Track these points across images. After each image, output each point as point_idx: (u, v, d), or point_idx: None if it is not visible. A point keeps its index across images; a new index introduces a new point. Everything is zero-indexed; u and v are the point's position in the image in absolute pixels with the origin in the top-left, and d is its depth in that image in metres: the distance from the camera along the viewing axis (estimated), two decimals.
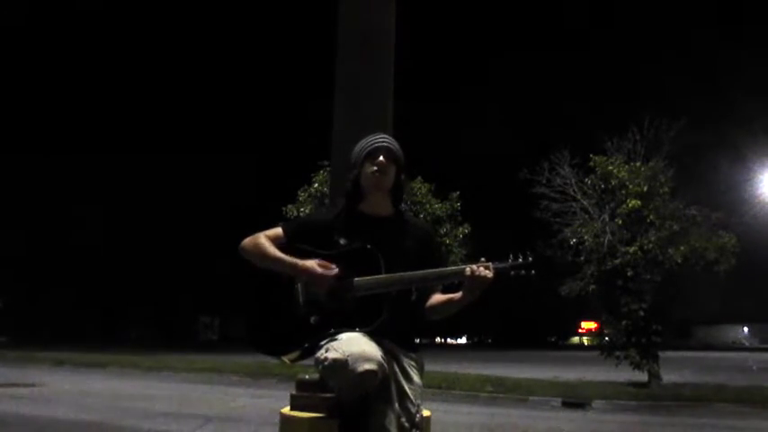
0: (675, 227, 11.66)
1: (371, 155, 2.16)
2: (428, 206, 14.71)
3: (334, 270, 2.00)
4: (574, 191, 12.63)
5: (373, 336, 1.94)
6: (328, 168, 8.27)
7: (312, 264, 2.01)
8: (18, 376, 11.54)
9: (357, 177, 2.18)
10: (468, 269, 1.95)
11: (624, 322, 11.41)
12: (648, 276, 11.52)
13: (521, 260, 1.97)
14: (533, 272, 1.95)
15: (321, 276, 2.00)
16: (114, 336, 44.63)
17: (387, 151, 2.17)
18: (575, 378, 13.28)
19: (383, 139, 2.22)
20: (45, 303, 45.46)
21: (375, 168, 2.14)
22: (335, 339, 1.93)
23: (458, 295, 2.04)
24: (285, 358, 2.09)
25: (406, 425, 1.91)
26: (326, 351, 1.90)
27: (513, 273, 1.96)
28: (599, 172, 12.20)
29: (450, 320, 2.11)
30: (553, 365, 20.87)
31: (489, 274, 1.94)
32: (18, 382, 10.41)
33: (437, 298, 2.15)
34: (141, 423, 6.21)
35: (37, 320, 44.01)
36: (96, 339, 36.35)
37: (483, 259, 1.98)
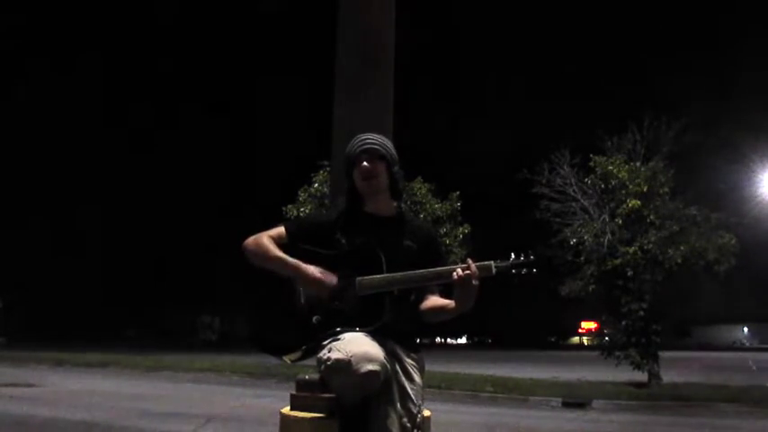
0: (675, 227, 11.67)
1: (356, 162, 2.16)
2: (428, 206, 14.69)
3: (334, 280, 2.00)
4: (574, 191, 12.64)
5: (375, 336, 1.94)
6: (328, 168, 8.27)
7: (314, 270, 2.01)
8: (18, 376, 11.53)
9: (352, 184, 2.19)
10: (454, 274, 1.94)
11: (624, 322, 11.42)
12: (648, 276, 11.52)
13: (522, 258, 1.96)
14: (535, 270, 1.95)
15: (321, 282, 1.99)
16: (114, 336, 44.58)
17: (369, 154, 2.15)
18: (575, 378, 13.28)
19: (364, 140, 2.19)
20: (45, 303, 45.44)
21: (362, 177, 2.14)
22: (338, 339, 1.92)
23: (451, 304, 2.04)
24: (286, 358, 2.08)
25: (408, 425, 1.90)
26: (329, 351, 1.89)
27: (514, 271, 1.95)
28: (599, 172, 12.20)
29: (451, 320, 2.10)
30: (553, 365, 20.88)
31: (474, 280, 1.93)
32: (18, 382, 10.41)
33: (432, 302, 2.13)
34: (141, 423, 6.20)
35: (37, 320, 43.98)
36: (96, 339, 36.33)
37: (469, 260, 1.96)
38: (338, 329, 1.96)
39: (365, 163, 2.14)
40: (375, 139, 2.20)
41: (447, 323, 2.13)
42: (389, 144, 2.24)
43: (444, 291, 2.15)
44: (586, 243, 11.91)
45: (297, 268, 2.03)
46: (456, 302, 2.01)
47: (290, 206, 14.66)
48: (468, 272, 1.92)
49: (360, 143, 2.18)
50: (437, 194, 15.16)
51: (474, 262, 1.95)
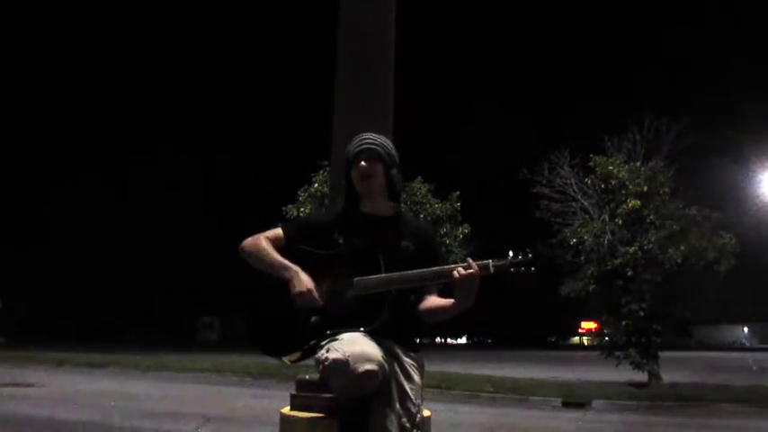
0: (675, 227, 11.67)
1: (354, 162, 2.16)
2: (428, 206, 14.67)
3: (320, 302, 2.00)
4: (574, 191, 12.64)
5: (374, 335, 1.94)
6: (328, 168, 8.27)
7: (307, 282, 2.01)
8: (18, 376, 11.52)
9: (350, 183, 2.19)
10: (455, 273, 1.94)
11: (624, 322, 11.41)
12: (648, 276, 11.51)
13: (520, 257, 1.96)
14: (533, 269, 1.95)
15: (310, 298, 2.00)
16: (114, 336, 44.58)
17: (368, 153, 2.15)
18: (575, 378, 13.28)
19: (363, 140, 2.18)
20: (45, 303, 45.43)
21: (359, 176, 2.14)
22: (336, 339, 1.92)
23: (450, 303, 2.03)
24: (285, 359, 2.08)
25: (407, 425, 1.90)
26: (327, 351, 1.90)
27: (512, 270, 1.95)
28: (599, 172, 12.20)
29: (451, 320, 2.10)
30: (553, 365, 20.86)
31: (475, 279, 1.93)
32: (18, 382, 10.40)
33: (431, 302, 2.13)
34: (141, 423, 6.20)
35: (37, 320, 43.97)
36: (97, 339, 36.31)
37: (469, 259, 1.96)
38: (337, 330, 1.97)
39: (363, 163, 2.14)
40: (374, 140, 2.19)
41: (447, 323, 2.13)
42: (389, 144, 2.23)
43: (443, 291, 2.15)
44: (586, 243, 11.90)
45: (291, 278, 2.03)
46: (455, 302, 2.00)
47: (289, 206, 14.65)
48: (470, 270, 1.92)
49: (358, 143, 2.18)
50: (437, 194, 15.15)
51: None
